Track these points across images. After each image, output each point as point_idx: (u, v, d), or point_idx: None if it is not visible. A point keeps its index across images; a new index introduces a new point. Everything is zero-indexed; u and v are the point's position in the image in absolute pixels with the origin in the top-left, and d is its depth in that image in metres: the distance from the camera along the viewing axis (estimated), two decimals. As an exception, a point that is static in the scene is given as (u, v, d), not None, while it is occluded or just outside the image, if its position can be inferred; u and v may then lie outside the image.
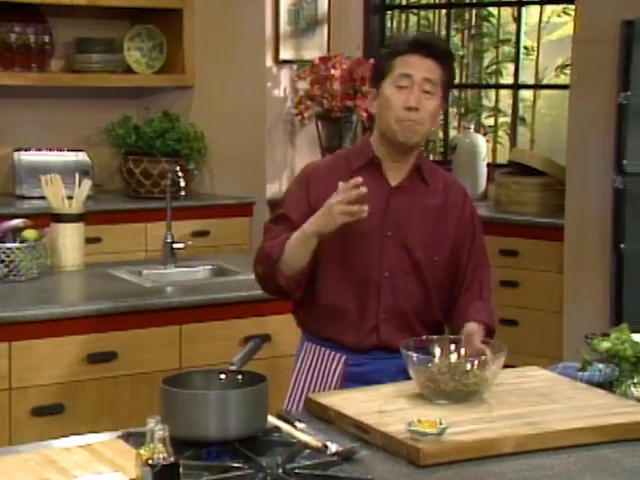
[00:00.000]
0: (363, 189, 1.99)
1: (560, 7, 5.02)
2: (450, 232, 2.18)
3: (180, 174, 3.27)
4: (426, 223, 2.16)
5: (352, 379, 2.14)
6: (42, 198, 3.34)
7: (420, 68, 2.09)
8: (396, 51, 2.12)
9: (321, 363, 2.19)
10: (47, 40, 4.53)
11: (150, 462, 1.42)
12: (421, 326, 2.17)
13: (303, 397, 2.16)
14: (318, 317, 2.19)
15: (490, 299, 2.23)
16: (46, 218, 3.18)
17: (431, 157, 5.23)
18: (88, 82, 4.60)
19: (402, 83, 2.09)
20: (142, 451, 1.44)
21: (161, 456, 1.42)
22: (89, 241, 3.44)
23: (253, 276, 2.79)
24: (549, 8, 5.02)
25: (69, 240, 3.10)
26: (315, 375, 2.19)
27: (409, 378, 1.92)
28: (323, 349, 2.19)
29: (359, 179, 2.00)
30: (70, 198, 3.16)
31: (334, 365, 2.17)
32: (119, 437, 1.71)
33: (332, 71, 4.41)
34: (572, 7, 4.19)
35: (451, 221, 2.18)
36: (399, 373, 2.04)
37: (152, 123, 4.64)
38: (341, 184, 2.02)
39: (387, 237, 2.15)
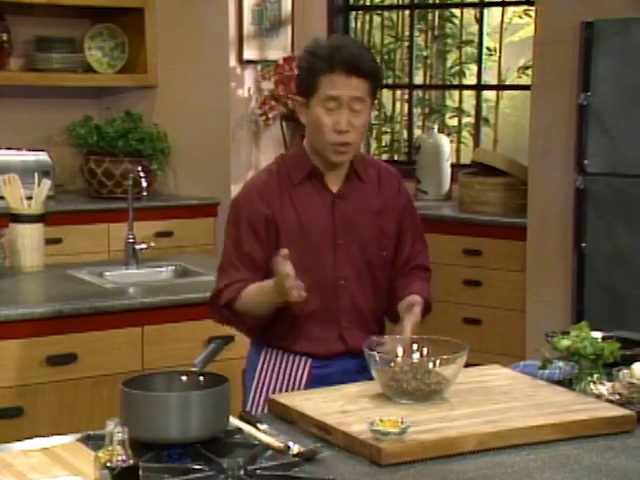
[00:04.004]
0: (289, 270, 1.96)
1: (521, 8, 5.05)
2: (392, 224, 2.20)
3: (142, 174, 3.25)
4: (372, 223, 2.17)
5: (316, 381, 2.12)
6: (0, 198, 3.29)
7: (346, 88, 2.04)
8: (320, 68, 2.06)
9: (285, 366, 2.17)
10: (5, 38, 4.47)
11: (109, 465, 1.40)
12: (375, 323, 2.20)
13: (266, 401, 2.13)
14: (282, 333, 2.17)
15: (430, 279, 2.27)
16: (4, 218, 3.14)
17: (395, 157, 5.25)
18: (48, 81, 4.54)
19: (330, 105, 2.06)
20: (101, 454, 1.42)
21: (120, 459, 1.40)
22: (50, 242, 3.41)
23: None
24: (510, 10, 5.06)
25: (28, 241, 3.06)
26: (280, 378, 2.16)
27: (369, 376, 1.91)
28: (286, 354, 2.17)
29: (284, 251, 1.96)
30: (29, 198, 3.13)
31: (300, 369, 2.15)
32: (78, 440, 1.68)
33: (296, 71, 4.39)
34: (533, 8, 4.22)
35: (391, 212, 2.20)
36: (359, 372, 2.04)
37: (114, 123, 4.60)
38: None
39: (339, 245, 2.14)
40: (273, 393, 2.15)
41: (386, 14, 5.27)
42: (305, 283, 2.09)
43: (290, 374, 2.15)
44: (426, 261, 2.27)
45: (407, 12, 5.12)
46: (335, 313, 2.13)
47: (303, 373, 2.14)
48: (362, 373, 1.96)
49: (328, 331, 2.14)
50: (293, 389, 2.14)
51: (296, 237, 2.11)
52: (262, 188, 2.14)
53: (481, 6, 4.86)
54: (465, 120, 5.16)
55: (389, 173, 2.25)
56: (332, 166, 2.14)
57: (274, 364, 2.18)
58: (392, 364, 1.86)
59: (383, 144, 5.37)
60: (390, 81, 5.30)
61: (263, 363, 2.20)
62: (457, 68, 5.18)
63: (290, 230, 2.12)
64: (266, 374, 2.18)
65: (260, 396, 2.18)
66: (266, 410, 2.08)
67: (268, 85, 4.61)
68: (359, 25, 5.24)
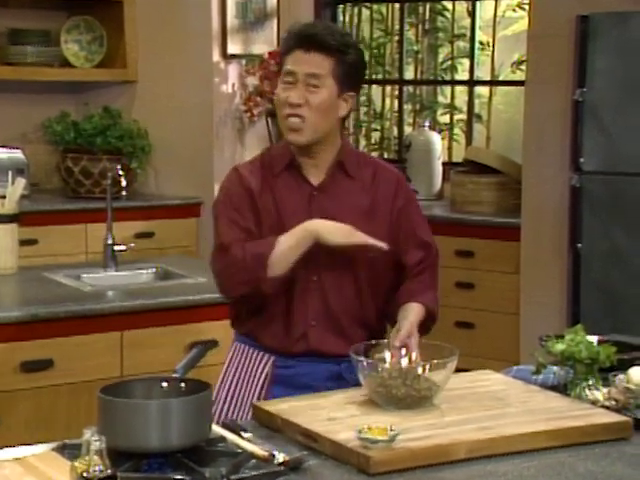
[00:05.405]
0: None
1: (515, 1, 5.02)
2: (382, 227, 2.12)
3: (121, 173, 3.23)
4: (357, 221, 2.08)
5: (279, 381, 2.08)
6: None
7: (303, 63, 2.03)
8: (285, 49, 2.08)
9: (248, 364, 2.13)
10: (-23, 30, 4.40)
11: (86, 475, 1.37)
12: (356, 328, 2.11)
13: (229, 399, 2.12)
14: (248, 317, 2.13)
15: (437, 287, 2.20)
16: (-23, 218, 3.08)
17: (385, 155, 5.18)
18: (23, 76, 4.47)
19: (287, 79, 2.05)
20: (77, 464, 1.39)
21: (97, 468, 1.37)
22: (24, 243, 3.36)
23: (199, 279, 2.65)
24: (504, 2, 5.04)
25: (1, 242, 3.00)
26: (242, 376, 2.13)
27: (341, 384, 1.89)
28: (251, 350, 2.13)
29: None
30: (3, 197, 3.06)
31: (261, 366, 2.11)
32: (53, 449, 1.66)
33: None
34: (527, 1, 4.17)
35: (382, 215, 2.12)
36: (330, 379, 1.99)
37: (92, 119, 4.53)
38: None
39: None
40: (234, 392, 2.13)
41: (375, 7, 5.23)
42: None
43: (251, 372, 2.12)
44: (434, 279, 2.18)
45: (397, 5, 5.09)
46: (302, 311, 2.07)
47: (263, 371, 2.10)
48: (334, 380, 1.92)
49: (292, 328, 2.08)
50: (253, 388, 2.11)
51: (272, 227, 2.07)
52: (246, 173, 2.12)
53: (473, -1, 4.82)
54: (457, 117, 5.14)
55: (387, 173, 2.17)
56: (306, 155, 2.08)
57: (238, 363, 2.15)
58: (380, 369, 1.84)
59: (372, 141, 5.32)
60: (380, 76, 5.26)
61: (230, 362, 2.17)
62: (449, 63, 5.17)
63: (267, 219, 2.08)
64: (230, 373, 2.16)
65: (222, 397, 2.15)
66: (229, 406, 2.10)
67: (253, 80, 4.57)
68: (347, 18, 5.22)
